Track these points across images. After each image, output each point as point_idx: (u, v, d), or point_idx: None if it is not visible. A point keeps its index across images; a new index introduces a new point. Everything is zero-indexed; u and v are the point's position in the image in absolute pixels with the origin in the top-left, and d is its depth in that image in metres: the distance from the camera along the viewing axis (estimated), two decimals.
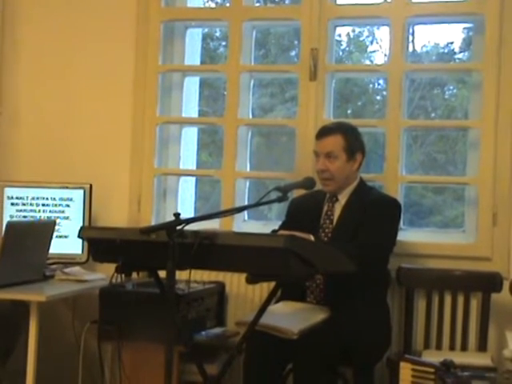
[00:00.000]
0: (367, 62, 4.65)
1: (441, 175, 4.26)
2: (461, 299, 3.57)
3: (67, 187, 3.91)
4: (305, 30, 3.89)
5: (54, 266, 3.75)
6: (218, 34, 4.76)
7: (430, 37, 4.31)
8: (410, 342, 3.55)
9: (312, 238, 2.98)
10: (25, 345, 3.27)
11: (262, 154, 4.52)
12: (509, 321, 3.50)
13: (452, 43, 4.39)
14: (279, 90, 4.66)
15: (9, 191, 3.91)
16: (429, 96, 4.36)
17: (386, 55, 4.09)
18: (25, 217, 3.89)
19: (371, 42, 4.66)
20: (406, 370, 2.55)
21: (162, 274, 2.64)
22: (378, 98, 4.52)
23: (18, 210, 3.90)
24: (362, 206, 3.32)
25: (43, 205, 3.91)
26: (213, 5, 4.64)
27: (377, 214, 3.27)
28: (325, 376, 2.98)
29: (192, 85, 4.28)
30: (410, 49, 4.06)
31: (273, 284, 2.87)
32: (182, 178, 4.21)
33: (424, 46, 4.38)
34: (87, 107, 4.18)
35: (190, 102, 4.25)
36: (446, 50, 4.45)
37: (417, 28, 4.10)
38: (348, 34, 4.59)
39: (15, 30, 4.28)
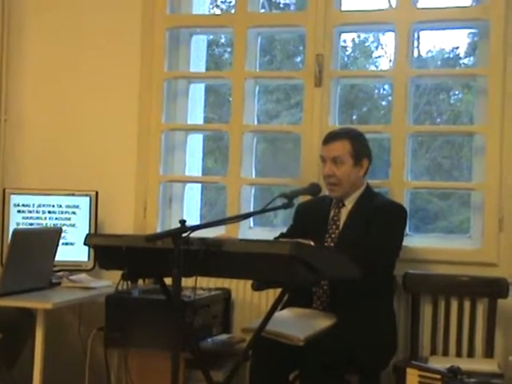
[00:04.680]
0: (372, 68, 4.66)
1: (446, 181, 4.26)
2: (467, 305, 3.56)
3: (73, 194, 3.92)
4: (310, 36, 3.89)
5: (60, 274, 3.75)
6: (223, 41, 4.77)
7: (435, 42, 4.31)
8: (417, 348, 3.54)
9: (312, 243, 2.98)
10: (31, 352, 3.27)
11: (267, 160, 4.52)
12: None
13: (457, 48, 4.40)
14: (284, 96, 4.67)
15: (15, 198, 3.92)
16: (434, 101, 4.36)
17: (391, 61, 4.09)
18: (31, 224, 3.90)
19: (376, 48, 4.67)
20: (412, 377, 2.55)
21: (168, 280, 2.64)
22: (384, 103, 4.52)
23: (24, 218, 3.91)
24: (367, 211, 3.32)
25: (49, 212, 3.92)
26: (218, 11, 4.66)
27: (382, 219, 3.27)
28: (331, 382, 2.97)
29: (197, 91, 4.28)
30: (416, 54, 4.06)
31: (279, 291, 2.87)
32: (188, 185, 4.21)
33: (429, 51, 4.38)
34: (93, 114, 4.19)
35: (195, 109, 4.26)
36: (451, 55, 4.46)
37: (422, 33, 4.11)
38: (353, 40, 4.60)
39: (21, 38, 4.30)
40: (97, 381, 3.66)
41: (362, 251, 3.09)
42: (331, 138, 3.40)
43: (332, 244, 3.34)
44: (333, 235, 3.36)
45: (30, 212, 3.91)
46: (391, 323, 3.33)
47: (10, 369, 3.68)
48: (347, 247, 3.17)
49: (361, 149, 3.38)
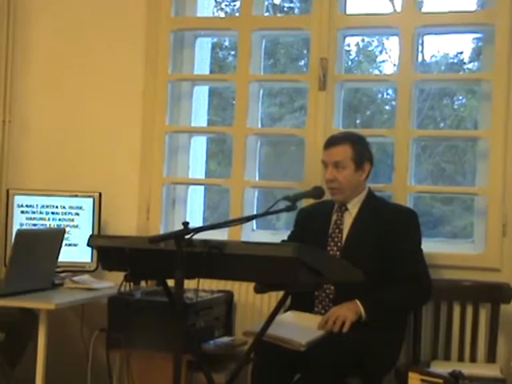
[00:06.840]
0: (376, 72, 4.65)
1: (450, 185, 4.25)
2: (470, 310, 3.56)
3: (77, 195, 3.93)
4: (314, 39, 3.90)
5: (63, 275, 3.76)
6: (227, 44, 4.77)
7: (439, 47, 4.30)
8: (419, 352, 3.54)
9: None
10: (34, 353, 3.27)
11: (270, 163, 4.51)
12: None
13: (461, 53, 4.39)
14: (288, 99, 4.67)
15: (19, 199, 3.93)
16: (438, 106, 4.35)
17: (395, 65, 4.09)
18: (34, 225, 3.90)
19: (380, 52, 4.66)
20: (414, 381, 2.54)
21: (171, 282, 2.64)
22: (387, 107, 4.52)
23: (27, 218, 3.92)
24: (375, 217, 3.32)
25: (53, 213, 3.92)
26: (222, 14, 4.66)
27: (407, 236, 3.29)
28: None
29: (201, 94, 4.29)
30: (420, 59, 4.05)
31: (281, 293, 2.87)
32: (191, 187, 4.22)
33: (433, 55, 4.37)
34: (97, 116, 4.19)
35: (199, 111, 4.26)
36: (455, 60, 4.45)
37: (426, 38, 4.10)
38: (357, 44, 4.59)
39: (26, 39, 4.31)
40: (99, 382, 3.66)
41: (414, 281, 3.21)
42: (332, 142, 3.39)
43: (335, 248, 3.33)
44: (336, 239, 3.35)
45: (33, 213, 3.92)
46: (395, 327, 3.31)
47: (12, 369, 3.68)
48: (398, 285, 3.19)
49: (362, 153, 3.38)
